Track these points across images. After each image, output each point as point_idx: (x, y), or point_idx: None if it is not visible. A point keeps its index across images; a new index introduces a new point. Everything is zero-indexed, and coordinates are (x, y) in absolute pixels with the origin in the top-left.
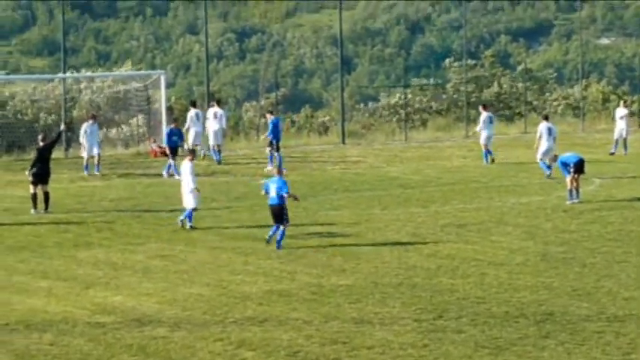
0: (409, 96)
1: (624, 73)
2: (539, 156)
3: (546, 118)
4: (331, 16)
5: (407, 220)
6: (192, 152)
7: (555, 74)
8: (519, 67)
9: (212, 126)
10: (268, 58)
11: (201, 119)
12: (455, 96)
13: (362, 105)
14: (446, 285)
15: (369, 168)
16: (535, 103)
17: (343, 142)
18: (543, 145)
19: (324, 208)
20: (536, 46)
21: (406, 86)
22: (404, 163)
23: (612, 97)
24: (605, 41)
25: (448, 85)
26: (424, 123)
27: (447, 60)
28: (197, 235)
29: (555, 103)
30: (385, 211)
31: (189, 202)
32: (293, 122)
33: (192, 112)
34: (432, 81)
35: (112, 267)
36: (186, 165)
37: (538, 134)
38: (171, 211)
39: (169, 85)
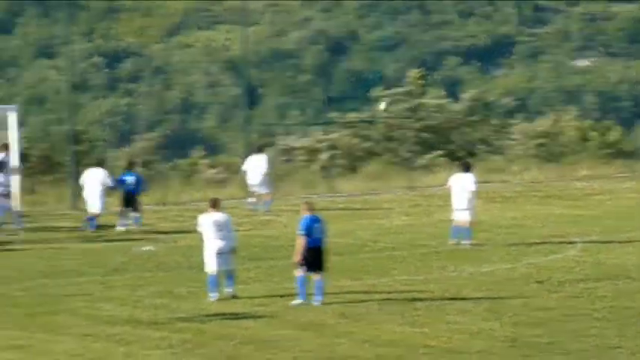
0: (332, 136)
1: (608, 103)
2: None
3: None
4: (228, 34)
5: (334, 295)
6: None
7: (518, 103)
8: (465, 94)
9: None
10: (147, 89)
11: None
12: (392, 134)
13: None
14: None
15: (283, 229)
16: (495, 142)
17: (248, 197)
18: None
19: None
20: (493, 70)
21: (328, 123)
22: (329, 222)
23: (593, 133)
24: (583, 62)
25: (381, 120)
26: (353, 169)
27: (377, 88)
28: (62, 320)
29: (516, 142)
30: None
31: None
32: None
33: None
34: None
35: None
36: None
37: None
38: (27, 289)
39: (20, 124)
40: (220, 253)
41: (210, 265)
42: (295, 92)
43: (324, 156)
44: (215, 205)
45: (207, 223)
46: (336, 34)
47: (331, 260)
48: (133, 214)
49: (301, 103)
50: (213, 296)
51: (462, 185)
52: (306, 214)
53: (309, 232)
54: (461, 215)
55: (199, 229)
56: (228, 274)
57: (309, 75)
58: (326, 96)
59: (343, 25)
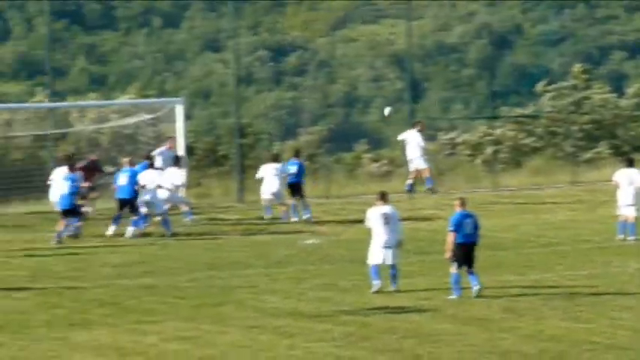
0: (497, 131)
1: None
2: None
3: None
4: (393, 28)
5: (499, 290)
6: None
7: None
8: (630, 89)
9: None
10: (312, 83)
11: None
12: (556, 129)
13: (435, 141)
14: None
15: (447, 224)
16: None
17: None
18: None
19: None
20: None
21: (493, 117)
22: (493, 217)
23: None
24: None
25: (545, 115)
26: (518, 164)
27: (541, 83)
28: (228, 311)
29: None
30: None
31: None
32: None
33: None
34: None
35: (117, 353)
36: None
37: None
38: (194, 280)
39: (186, 118)
40: (387, 247)
41: (375, 258)
42: (459, 86)
43: (487, 150)
44: (383, 198)
45: (375, 216)
46: (500, 28)
47: (495, 255)
48: (302, 205)
49: (465, 97)
50: (375, 284)
51: (628, 180)
52: (458, 210)
53: (459, 228)
54: (627, 211)
55: (367, 222)
56: (392, 269)
57: (473, 69)
58: (490, 90)
59: (508, 19)
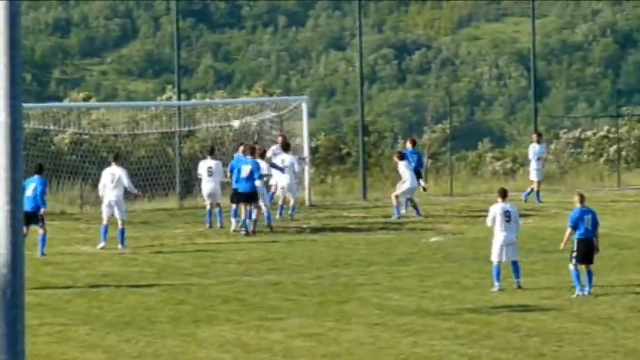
0: (620, 129)
1: None
2: None
3: None
4: (517, 26)
5: (623, 290)
6: None
7: None
8: None
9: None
10: (435, 81)
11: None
12: None
13: (558, 139)
14: None
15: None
16: None
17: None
18: None
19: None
20: None
21: (617, 116)
22: (617, 215)
23: None
24: None
25: None
26: None
27: None
28: (351, 309)
29: None
30: (594, 278)
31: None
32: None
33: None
34: None
35: (242, 349)
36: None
37: None
38: (318, 277)
39: (310, 116)
40: (507, 244)
41: (496, 255)
42: (583, 85)
43: (611, 149)
44: (504, 195)
45: (497, 213)
46: (625, 27)
47: (620, 254)
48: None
49: (589, 95)
50: (496, 285)
51: None
52: (577, 206)
53: (577, 223)
54: None
55: (488, 219)
56: (513, 266)
57: (597, 67)
58: (614, 88)
59: (633, 17)
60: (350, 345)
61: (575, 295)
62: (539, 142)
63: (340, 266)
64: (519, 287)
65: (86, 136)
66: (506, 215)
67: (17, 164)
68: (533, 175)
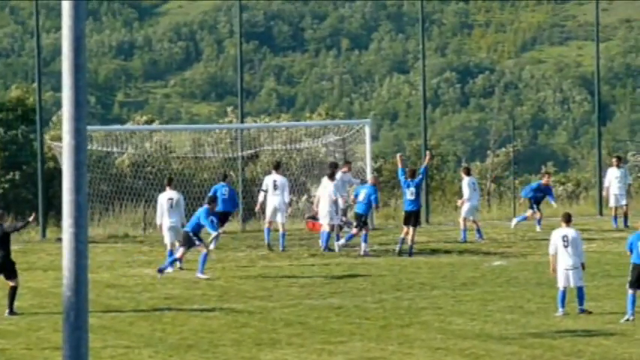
0: None
1: None
2: None
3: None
4: (580, 50)
5: None
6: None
7: None
8: None
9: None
10: (499, 104)
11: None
12: None
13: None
14: None
15: None
16: None
17: (600, 214)
18: None
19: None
20: None
21: None
22: None
23: None
24: None
25: None
26: None
27: None
28: (413, 332)
29: None
30: None
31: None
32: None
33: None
34: None
35: None
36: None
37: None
38: (380, 301)
39: (373, 139)
40: (569, 269)
41: (559, 280)
42: None
43: None
44: (567, 220)
45: (557, 238)
46: None
47: None
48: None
49: None
50: (560, 311)
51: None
52: (638, 231)
53: (632, 248)
54: None
55: (550, 246)
56: (578, 291)
57: None
58: None
59: None
60: None
61: (624, 320)
62: (619, 166)
63: (403, 290)
64: (584, 311)
65: (148, 159)
66: (564, 240)
67: (81, 187)
68: (613, 201)
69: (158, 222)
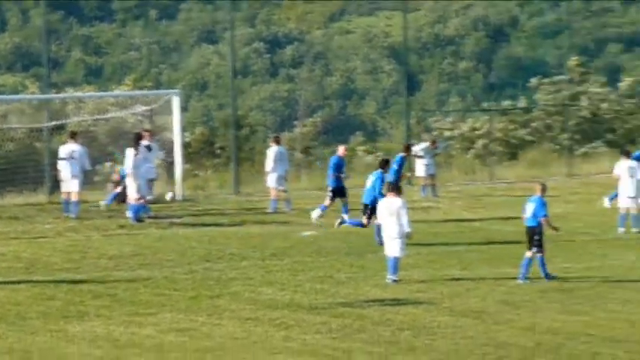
0: (489, 124)
1: None
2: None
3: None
4: (389, 20)
5: (495, 283)
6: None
7: None
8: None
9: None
10: (308, 75)
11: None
12: (552, 122)
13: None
14: None
15: (443, 216)
16: None
17: (409, 183)
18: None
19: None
20: None
21: (486, 110)
22: (489, 209)
23: None
24: None
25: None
26: (513, 157)
27: (536, 78)
28: (223, 303)
29: None
30: (466, 271)
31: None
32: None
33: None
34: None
35: (113, 344)
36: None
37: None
38: (190, 272)
39: (182, 110)
40: (392, 238)
41: (385, 249)
42: (455, 79)
43: (479, 143)
44: (392, 190)
45: (382, 207)
46: (496, 21)
47: (492, 247)
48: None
49: (461, 90)
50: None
51: (629, 172)
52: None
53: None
54: (629, 203)
55: (378, 214)
56: (392, 259)
57: (469, 62)
58: (486, 83)
59: (504, 12)
60: (222, 340)
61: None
62: (432, 142)
63: (212, 261)
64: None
65: None
66: (389, 210)
67: None
68: (423, 171)
69: None
